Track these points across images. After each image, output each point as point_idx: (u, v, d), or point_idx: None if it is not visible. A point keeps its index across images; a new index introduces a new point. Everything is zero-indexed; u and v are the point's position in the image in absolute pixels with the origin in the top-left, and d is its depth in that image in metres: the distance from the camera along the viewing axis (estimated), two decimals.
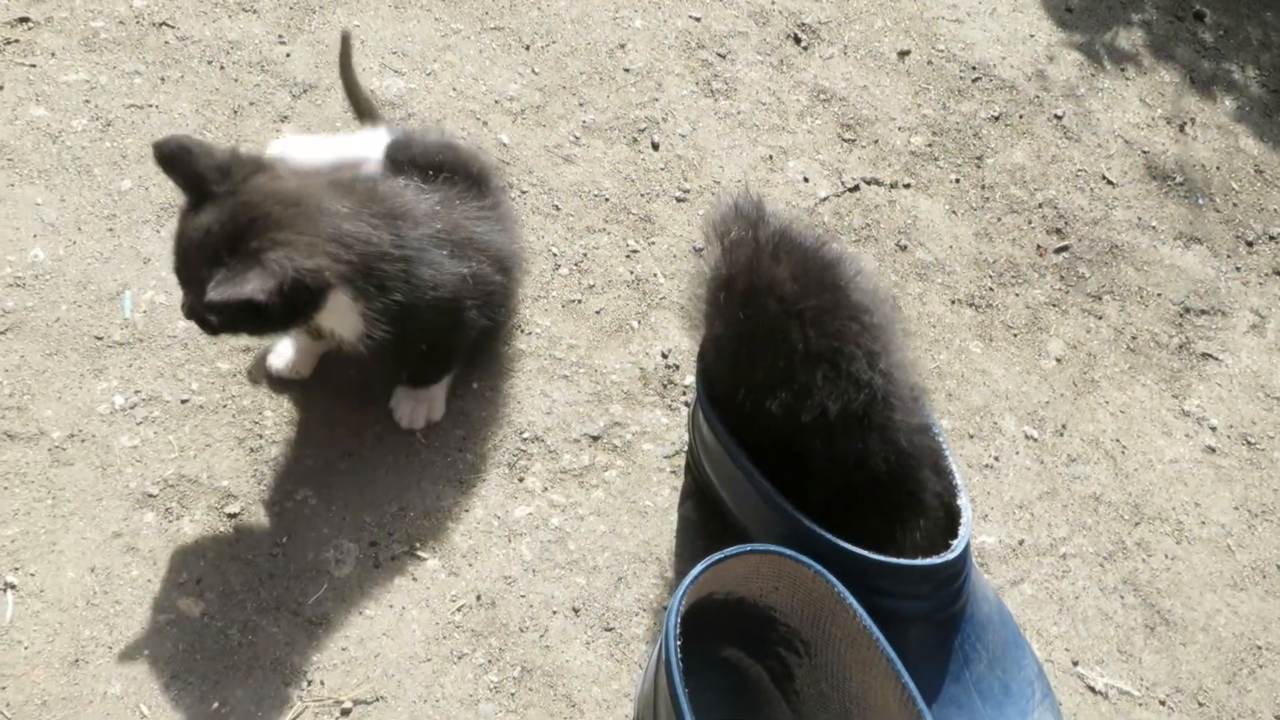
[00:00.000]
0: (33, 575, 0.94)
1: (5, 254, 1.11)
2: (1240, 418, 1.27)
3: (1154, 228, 1.43)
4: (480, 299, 1.01)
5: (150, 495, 1.00)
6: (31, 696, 0.88)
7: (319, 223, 0.89)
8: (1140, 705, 1.04)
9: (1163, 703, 1.04)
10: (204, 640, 0.93)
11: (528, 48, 1.41)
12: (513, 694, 0.95)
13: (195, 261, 0.88)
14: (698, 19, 1.49)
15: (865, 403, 0.86)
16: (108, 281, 1.12)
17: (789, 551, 0.85)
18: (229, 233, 0.87)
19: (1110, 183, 1.46)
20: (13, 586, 0.93)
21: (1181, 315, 1.35)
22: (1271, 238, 1.46)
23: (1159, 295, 1.37)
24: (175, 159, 0.89)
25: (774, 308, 0.86)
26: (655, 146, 1.36)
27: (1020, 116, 1.50)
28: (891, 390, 0.88)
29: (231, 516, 1.00)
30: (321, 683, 0.93)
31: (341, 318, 0.93)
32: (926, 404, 0.94)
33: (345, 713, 0.92)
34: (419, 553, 1.01)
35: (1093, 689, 1.04)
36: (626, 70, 1.42)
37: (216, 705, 0.90)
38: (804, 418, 0.86)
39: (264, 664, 0.93)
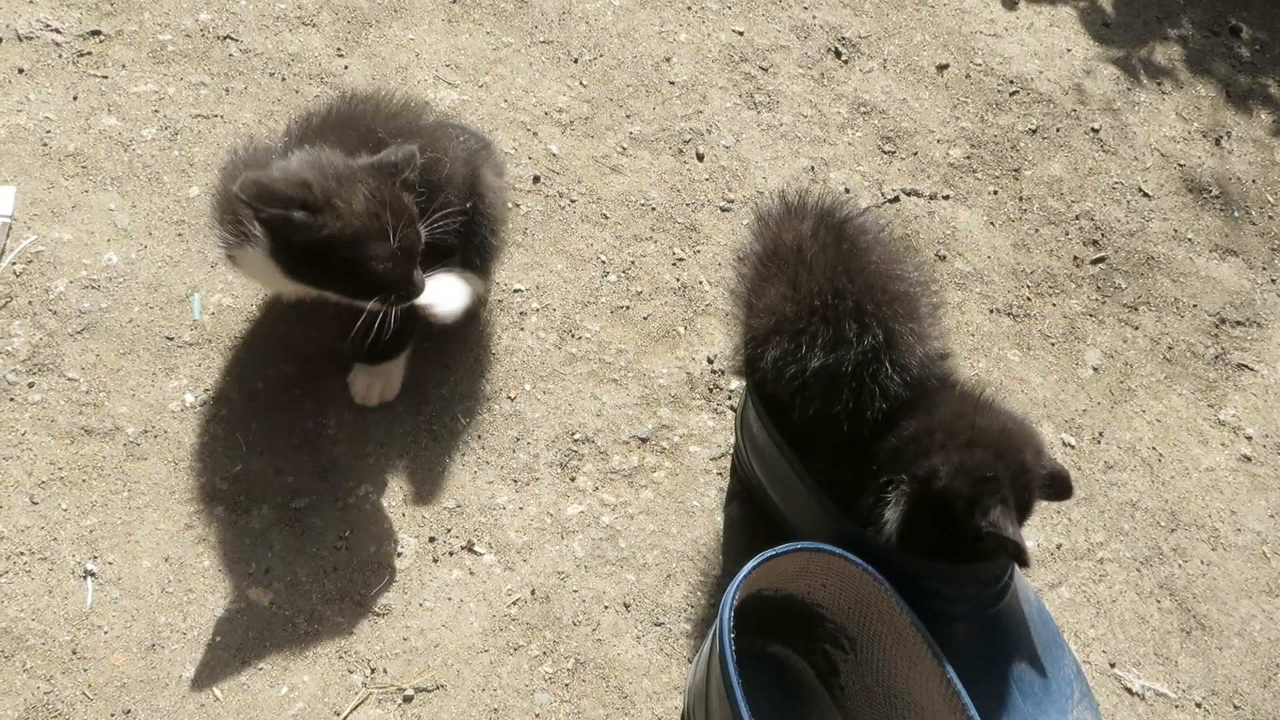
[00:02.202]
0: (111, 564, 0.99)
1: (81, 257, 1.16)
2: (1276, 427, 1.29)
3: (1190, 240, 1.45)
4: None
5: (219, 490, 1.05)
6: (111, 679, 0.93)
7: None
8: (1176, 707, 1.06)
9: (1199, 705, 1.06)
10: (272, 628, 0.97)
11: (576, 61, 1.45)
12: (567, 685, 0.98)
13: None
14: (741, 33, 1.53)
15: (870, 349, 0.90)
16: (177, 284, 1.17)
17: (838, 550, 0.88)
18: None
19: (1146, 195, 1.48)
20: (92, 574, 0.98)
21: (1217, 326, 1.37)
22: None
23: (1195, 306, 1.39)
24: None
25: (791, 251, 0.96)
26: (700, 157, 1.39)
27: (1057, 130, 1.53)
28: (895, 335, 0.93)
29: (297, 511, 1.05)
30: (385, 670, 0.96)
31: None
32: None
33: (408, 700, 0.95)
34: (475, 548, 1.05)
35: (1130, 690, 1.06)
36: (672, 83, 1.46)
37: (285, 690, 0.94)
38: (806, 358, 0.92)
39: (330, 652, 0.97)
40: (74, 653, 0.94)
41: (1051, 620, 0.99)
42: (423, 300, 0.99)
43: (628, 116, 1.41)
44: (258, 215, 0.92)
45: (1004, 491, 0.89)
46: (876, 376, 0.91)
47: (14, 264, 1.14)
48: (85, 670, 0.93)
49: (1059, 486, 0.96)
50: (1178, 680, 1.07)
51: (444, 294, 1.03)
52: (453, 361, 1.16)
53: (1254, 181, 1.53)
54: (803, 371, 0.93)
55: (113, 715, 0.91)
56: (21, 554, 0.98)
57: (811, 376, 0.93)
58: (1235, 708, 1.07)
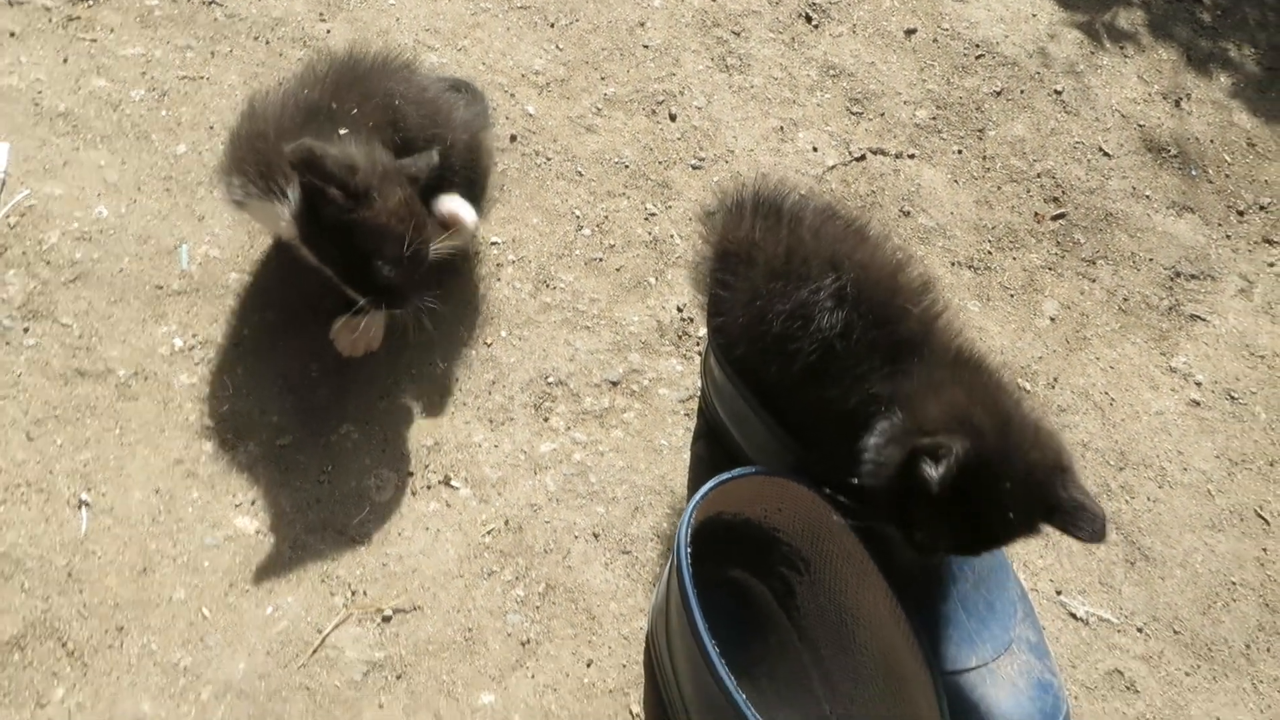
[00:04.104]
0: (104, 495, 1.04)
1: (73, 211, 1.21)
2: (1225, 374, 1.34)
3: (1148, 197, 1.50)
4: None
5: (208, 428, 1.10)
6: (105, 599, 0.98)
7: None
8: (1119, 632, 1.11)
9: (1140, 630, 1.12)
10: (258, 554, 1.02)
11: (552, 25, 1.50)
12: (537, 607, 1.04)
13: None
14: None
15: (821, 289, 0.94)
16: (166, 237, 1.21)
17: (789, 474, 0.94)
18: None
19: (1107, 154, 1.53)
20: (86, 504, 1.03)
21: (1172, 279, 1.43)
22: (1262, 208, 1.52)
23: (1151, 260, 1.44)
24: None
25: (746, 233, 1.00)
26: (673, 118, 1.44)
27: (1021, 92, 1.57)
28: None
29: (282, 449, 1.10)
30: (365, 593, 1.02)
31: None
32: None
33: (386, 619, 1.01)
34: (452, 483, 1.10)
35: (1074, 615, 1.11)
36: (646, 47, 1.50)
37: (271, 610, 1.00)
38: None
39: (312, 576, 1.02)
40: (70, 575, 0.99)
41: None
42: (450, 207, 1.06)
43: (602, 79, 1.46)
44: (301, 179, 0.97)
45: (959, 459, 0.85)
46: (830, 313, 0.95)
47: (8, 217, 1.19)
48: (80, 591, 0.98)
49: (1077, 520, 0.87)
50: (1121, 607, 1.13)
51: (464, 208, 1.10)
52: (434, 308, 1.21)
53: (1211, 142, 1.58)
54: (761, 319, 0.98)
55: (107, 631, 0.96)
56: (19, 485, 1.03)
57: (770, 325, 0.98)
58: (1175, 633, 1.12)
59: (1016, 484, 0.86)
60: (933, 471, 0.83)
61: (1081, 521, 0.87)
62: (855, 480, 0.91)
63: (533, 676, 1.00)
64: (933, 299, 0.98)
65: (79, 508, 1.03)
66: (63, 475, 1.04)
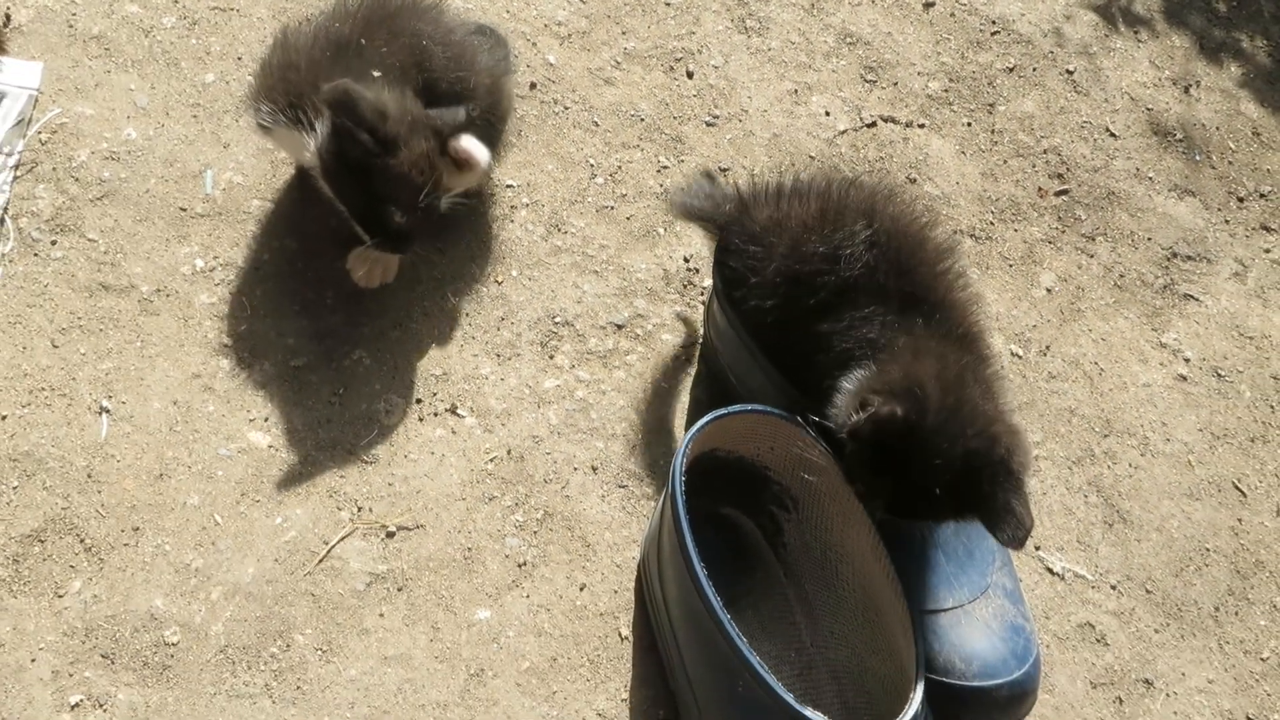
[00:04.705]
0: (124, 404, 1.08)
1: (102, 131, 1.24)
2: (1213, 352, 1.38)
3: (1151, 178, 1.53)
4: None
5: (225, 345, 1.14)
6: (122, 500, 1.02)
7: None
8: (1093, 588, 1.16)
9: (1114, 587, 1.16)
10: (270, 467, 1.07)
11: None
12: (535, 532, 1.08)
13: None
14: None
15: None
16: (191, 161, 1.25)
17: (782, 412, 0.97)
18: None
19: (1113, 135, 1.56)
20: (107, 411, 1.07)
21: (1169, 259, 1.46)
22: (1262, 195, 1.55)
23: (1149, 240, 1.47)
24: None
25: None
26: (690, 75, 1.47)
27: (1034, 70, 1.60)
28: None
29: (296, 369, 1.14)
30: (370, 509, 1.06)
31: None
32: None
33: (390, 535, 1.05)
34: (458, 411, 1.14)
35: (1051, 570, 1.16)
36: (667, 4, 1.53)
37: (280, 521, 1.04)
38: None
39: (320, 491, 1.06)
40: (89, 476, 1.03)
41: None
42: (465, 145, 1.10)
43: (623, 33, 1.49)
44: (334, 118, 1.01)
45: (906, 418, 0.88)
46: (860, 254, 0.98)
47: (40, 133, 1.23)
48: (99, 492, 1.02)
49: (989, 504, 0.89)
50: (1097, 565, 1.17)
51: (478, 148, 1.13)
52: (446, 247, 1.25)
53: (1218, 129, 1.61)
54: (764, 267, 1.02)
55: (123, 531, 1.01)
56: (43, 389, 1.07)
57: (773, 274, 1.02)
58: (1147, 592, 1.17)
59: (948, 466, 0.88)
60: (848, 416, 0.87)
61: (1003, 524, 0.88)
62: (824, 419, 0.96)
63: (527, 596, 1.04)
64: (956, 263, 1.02)
65: (99, 414, 1.07)
66: (85, 382, 1.08)
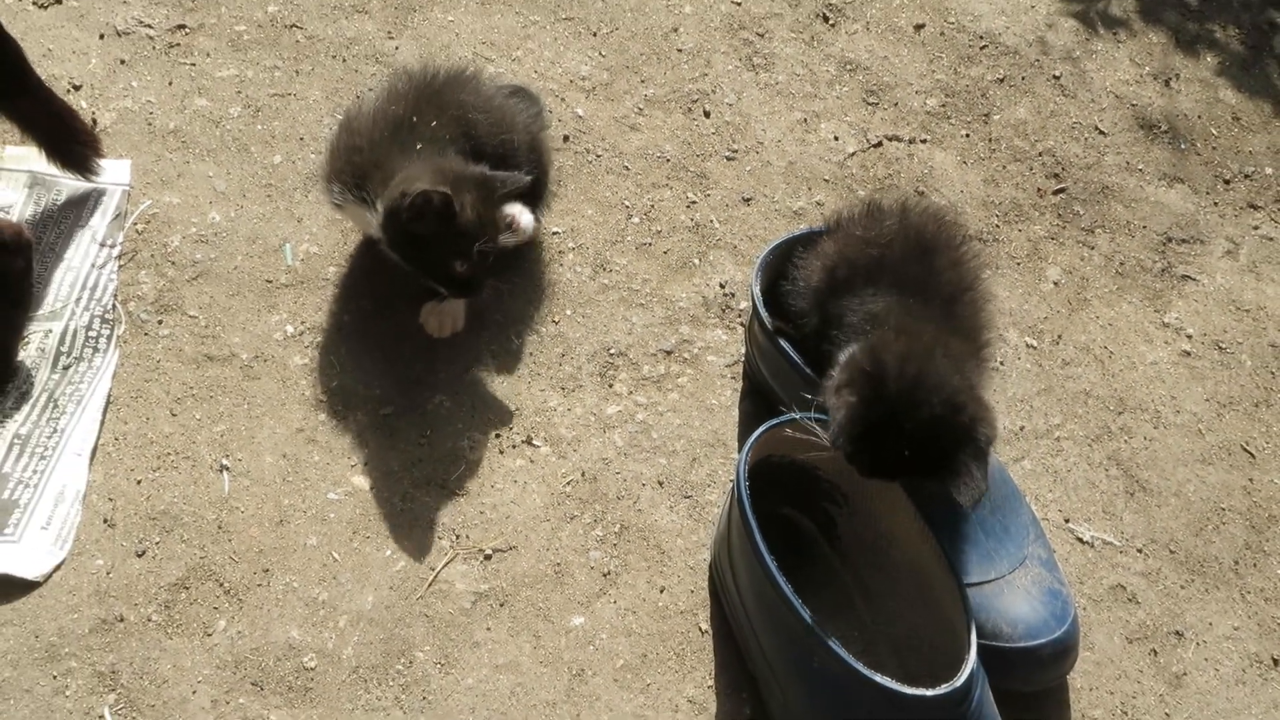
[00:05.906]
0: (240, 460, 1.21)
1: (189, 217, 1.38)
2: (1213, 327, 1.49)
3: (1141, 170, 1.65)
4: None
5: (321, 400, 1.27)
6: (251, 546, 1.16)
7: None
8: (1120, 552, 1.27)
9: (1140, 550, 1.28)
10: (374, 506, 1.20)
11: (595, 34, 1.66)
12: (615, 545, 1.20)
13: None
14: (738, 3, 1.73)
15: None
16: (271, 236, 1.38)
17: (824, 417, 1.10)
18: None
19: (1102, 133, 1.68)
20: (226, 468, 1.20)
21: (1164, 244, 1.58)
22: (1247, 176, 1.67)
23: (1145, 227, 1.59)
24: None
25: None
26: (707, 114, 1.60)
27: (1023, 78, 1.72)
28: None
29: (385, 417, 1.27)
30: (467, 536, 1.19)
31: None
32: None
33: (487, 558, 1.18)
34: (533, 441, 1.27)
35: (1081, 540, 1.27)
36: (679, 50, 1.66)
37: (389, 553, 1.17)
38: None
39: (422, 523, 1.19)
40: (219, 528, 1.16)
41: (1010, 479, 1.21)
42: (514, 213, 1.27)
43: (642, 81, 1.62)
44: (405, 216, 1.14)
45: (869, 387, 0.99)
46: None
47: (136, 224, 1.36)
48: (230, 541, 1.16)
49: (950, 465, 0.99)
50: (1122, 531, 1.29)
51: (525, 216, 1.29)
52: (507, 286, 1.38)
53: (1199, 117, 1.73)
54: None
55: (255, 573, 1.14)
56: (168, 454, 1.21)
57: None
58: (1171, 552, 1.28)
59: (916, 431, 0.99)
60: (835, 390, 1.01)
61: (960, 484, 0.99)
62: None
63: (615, 602, 1.17)
64: (972, 251, 1.16)
65: (220, 471, 1.20)
66: (204, 444, 1.22)
